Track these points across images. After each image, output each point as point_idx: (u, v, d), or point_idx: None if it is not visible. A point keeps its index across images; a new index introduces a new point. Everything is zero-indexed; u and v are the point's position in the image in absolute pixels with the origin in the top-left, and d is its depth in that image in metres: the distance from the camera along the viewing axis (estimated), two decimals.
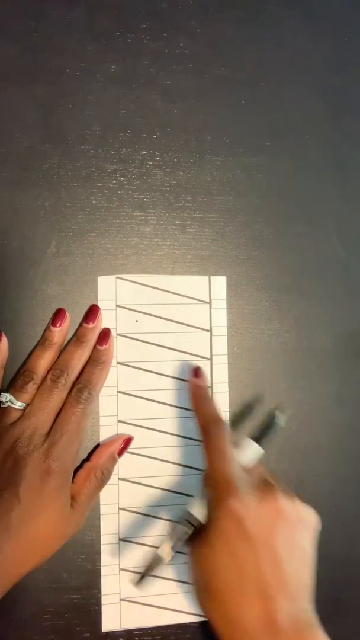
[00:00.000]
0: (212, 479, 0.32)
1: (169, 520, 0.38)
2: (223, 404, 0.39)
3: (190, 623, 0.38)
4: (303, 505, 0.32)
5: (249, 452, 0.35)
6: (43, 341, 0.37)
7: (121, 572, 0.37)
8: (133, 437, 0.38)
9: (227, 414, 0.39)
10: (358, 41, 0.43)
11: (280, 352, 0.40)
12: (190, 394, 0.37)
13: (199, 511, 0.32)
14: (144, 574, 0.32)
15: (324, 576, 0.40)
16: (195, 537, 0.31)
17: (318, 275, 0.41)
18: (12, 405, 0.34)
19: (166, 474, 0.38)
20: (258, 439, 0.35)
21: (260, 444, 0.35)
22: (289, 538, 0.30)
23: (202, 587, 0.30)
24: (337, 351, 0.41)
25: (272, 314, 0.41)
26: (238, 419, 0.40)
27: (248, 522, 0.29)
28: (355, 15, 0.43)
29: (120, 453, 0.37)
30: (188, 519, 0.32)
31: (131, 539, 0.38)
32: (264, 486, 0.32)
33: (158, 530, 0.38)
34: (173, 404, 0.39)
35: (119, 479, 0.38)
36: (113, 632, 0.37)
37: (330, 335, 0.41)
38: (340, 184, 0.42)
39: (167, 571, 0.38)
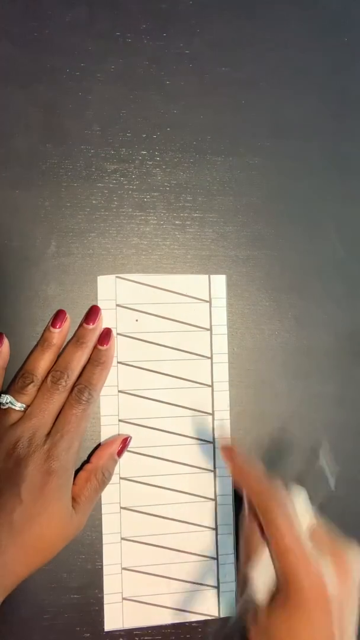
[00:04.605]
0: (280, 554, 0.30)
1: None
2: (223, 403, 0.39)
3: (190, 623, 0.38)
4: None
5: (300, 501, 0.32)
6: (42, 342, 0.37)
7: (123, 571, 0.37)
8: (131, 437, 0.38)
9: (228, 412, 0.39)
10: (358, 41, 0.43)
11: (280, 352, 0.40)
12: (230, 468, 0.35)
13: (258, 593, 0.31)
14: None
15: None
16: (269, 604, 0.30)
17: (318, 275, 0.41)
18: (13, 407, 0.34)
19: (167, 473, 0.38)
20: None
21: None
22: (355, 597, 0.31)
23: None
24: (337, 351, 0.41)
25: (272, 314, 0.41)
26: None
27: (327, 591, 0.29)
28: (355, 15, 0.43)
29: (120, 453, 0.37)
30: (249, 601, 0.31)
31: (133, 538, 0.38)
32: (332, 548, 0.31)
33: (160, 529, 0.38)
34: (173, 402, 0.39)
35: (120, 478, 0.38)
36: (114, 631, 0.37)
37: (330, 335, 0.41)
38: (340, 184, 0.42)
39: (169, 570, 0.38)
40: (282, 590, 0.30)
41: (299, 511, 0.31)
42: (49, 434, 0.34)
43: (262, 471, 0.33)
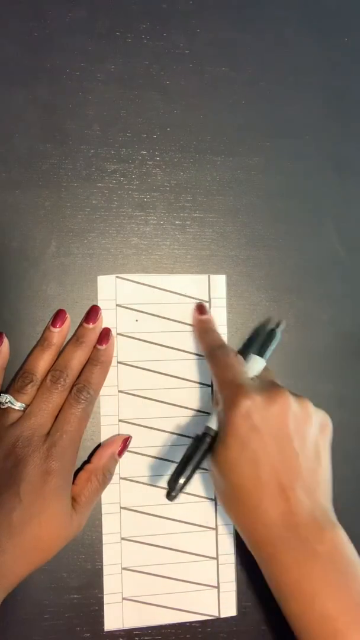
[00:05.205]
0: (222, 389, 0.33)
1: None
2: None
3: (190, 623, 0.38)
4: (313, 406, 0.33)
5: (252, 366, 0.36)
6: (42, 342, 0.37)
7: (123, 571, 0.37)
8: (131, 436, 0.38)
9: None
10: (358, 41, 0.43)
11: (281, 352, 0.40)
12: (195, 328, 0.39)
13: (215, 423, 0.33)
14: (175, 486, 0.33)
15: None
16: (213, 446, 0.33)
17: (318, 275, 0.41)
18: (12, 406, 0.34)
19: (168, 473, 0.38)
20: (260, 352, 0.37)
21: (262, 357, 0.37)
22: (299, 433, 0.32)
23: (225, 490, 0.32)
24: (337, 351, 0.41)
25: (272, 314, 0.41)
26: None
27: (258, 417, 0.31)
28: (355, 15, 0.43)
29: (120, 453, 0.37)
30: (206, 432, 0.33)
31: (133, 538, 0.38)
32: (273, 387, 0.33)
33: (160, 529, 0.38)
34: (174, 402, 0.39)
35: (121, 478, 0.38)
36: (113, 631, 0.37)
37: (330, 335, 0.41)
38: (340, 184, 0.42)
39: (169, 570, 0.38)
40: (221, 427, 0.32)
41: (251, 368, 0.36)
42: (48, 433, 0.34)
43: (219, 336, 0.38)
